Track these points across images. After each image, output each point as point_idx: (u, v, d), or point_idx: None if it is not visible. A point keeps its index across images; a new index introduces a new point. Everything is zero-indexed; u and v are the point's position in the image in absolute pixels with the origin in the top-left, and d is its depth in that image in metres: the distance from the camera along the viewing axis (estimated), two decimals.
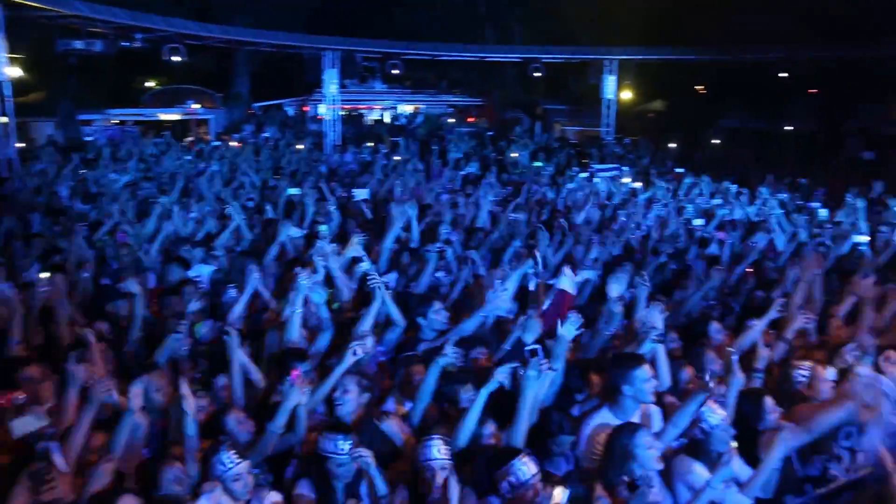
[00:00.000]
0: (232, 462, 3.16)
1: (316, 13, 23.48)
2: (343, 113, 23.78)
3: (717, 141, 20.62)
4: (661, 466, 3.52)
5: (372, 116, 29.49)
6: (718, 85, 24.18)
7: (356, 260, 5.52)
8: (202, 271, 6.58)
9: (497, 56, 22.04)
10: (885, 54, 18.26)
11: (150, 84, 28.40)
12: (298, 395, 3.51)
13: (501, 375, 3.58)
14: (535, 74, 20.34)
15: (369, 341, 4.16)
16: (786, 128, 23.13)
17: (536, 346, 3.74)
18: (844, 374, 4.25)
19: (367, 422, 3.76)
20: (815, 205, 10.38)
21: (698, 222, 8.84)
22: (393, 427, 3.73)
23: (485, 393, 3.54)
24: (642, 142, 20.53)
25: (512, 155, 18.16)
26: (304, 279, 4.50)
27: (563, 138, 22.32)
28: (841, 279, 6.14)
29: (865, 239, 7.47)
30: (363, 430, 3.63)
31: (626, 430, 3.49)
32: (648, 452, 3.42)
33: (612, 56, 20.39)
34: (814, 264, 5.75)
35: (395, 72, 20.69)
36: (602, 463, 3.56)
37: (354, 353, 3.88)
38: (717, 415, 3.58)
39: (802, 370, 4.24)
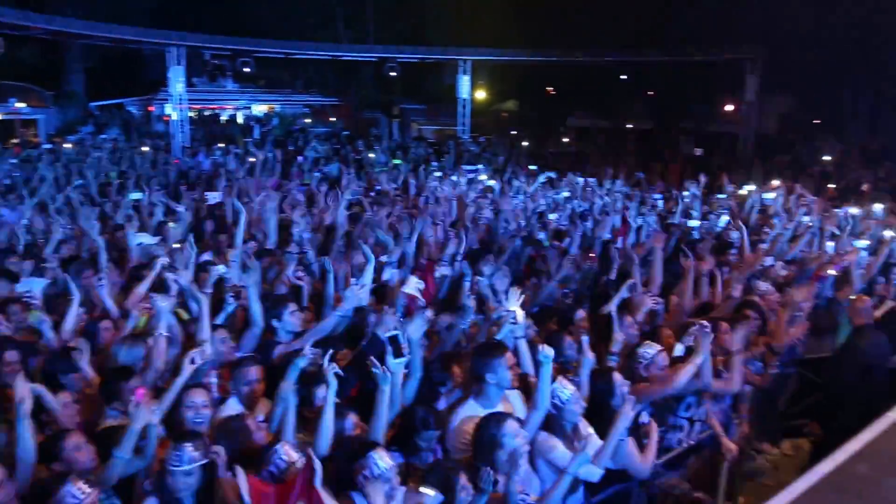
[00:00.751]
0: (83, 494, 2.87)
1: (160, 6, 22.18)
2: (192, 113, 22.63)
3: (567, 139, 21.76)
4: (527, 450, 3.64)
5: (224, 117, 28.25)
6: (567, 86, 25.60)
7: (204, 266, 5.29)
8: (33, 285, 6.00)
9: (352, 55, 21.92)
10: (712, 59, 20.14)
11: None
12: (146, 416, 3.25)
13: (303, 361, 3.63)
14: (391, 74, 20.42)
15: (208, 348, 3.95)
16: (627, 126, 24.81)
17: (396, 333, 3.74)
18: (690, 351, 4.60)
19: (225, 426, 3.59)
20: (655, 196, 11.18)
21: (552, 216, 9.23)
22: (251, 429, 3.57)
23: (292, 376, 3.56)
24: (497, 140, 21.24)
25: (370, 155, 18.20)
26: (161, 302, 4.30)
27: (420, 137, 22.61)
28: (679, 262, 6.63)
29: (697, 223, 8.12)
30: (221, 436, 3.47)
31: (494, 420, 3.55)
32: (515, 441, 3.52)
33: (466, 56, 20.90)
34: (657, 246, 6.20)
35: (247, 70, 19.96)
36: (470, 453, 3.64)
37: (192, 362, 3.69)
38: (567, 390, 3.75)
39: (648, 349, 4.52)
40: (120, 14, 18.94)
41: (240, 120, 27.73)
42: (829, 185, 14.60)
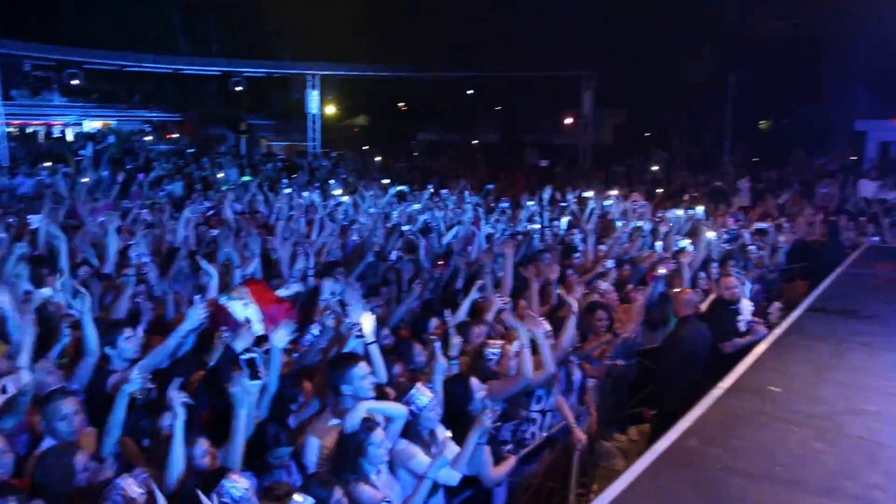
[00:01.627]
0: None
1: None
2: (12, 130, 20.58)
3: (417, 153, 22.18)
4: (387, 460, 3.66)
5: (49, 133, 25.92)
6: (417, 101, 26.10)
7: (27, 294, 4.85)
8: None
9: (194, 69, 21.01)
10: (551, 76, 21.38)
11: None
12: None
13: (130, 387, 3.46)
14: (237, 89, 19.80)
15: (25, 375, 3.59)
16: (475, 140, 25.71)
17: (253, 356, 3.64)
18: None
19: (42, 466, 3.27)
20: (503, 205, 11.66)
21: (406, 228, 9.35)
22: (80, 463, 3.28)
23: (120, 405, 3.40)
24: (348, 155, 21.22)
25: (219, 175, 17.54)
26: None
27: (269, 154, 22.07)
28: (526, 267, 6.96)
29: (537, 227, 8.54)
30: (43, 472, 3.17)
31: (363, 429, 3.54)
32: (379, 451, 3.53)
33: (314, 71, 20.72)
34: (507, 252, 6.48)
35: (75, 82, 18.49)
36: (333, 462, 3.59)
37: (4, 391, 3.35)
38: (425, 396, 3.81)
39: (493, 348, 4.70)
40: None
41: (70, 137, 25.55)
42: (658, 191, 15.93)
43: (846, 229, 12.68)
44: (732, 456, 4.17)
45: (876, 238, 12.48)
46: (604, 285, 6.50)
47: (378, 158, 20.90)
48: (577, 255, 7.92)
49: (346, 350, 4.18)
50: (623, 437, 6.84)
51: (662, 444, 4.25)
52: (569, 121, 23.95)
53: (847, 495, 3.75)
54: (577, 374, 5.40)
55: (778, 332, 6.84)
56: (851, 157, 19.54)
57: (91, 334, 4.20)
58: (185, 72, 21.05)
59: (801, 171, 18.31)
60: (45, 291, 4.88)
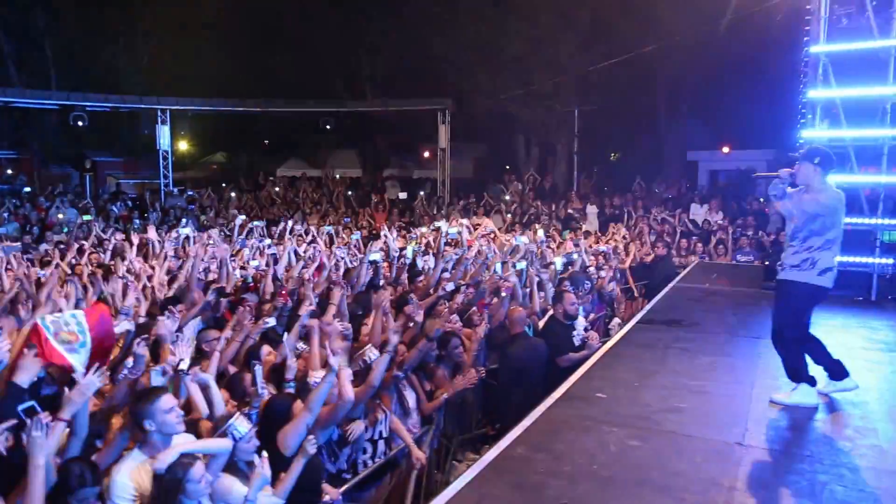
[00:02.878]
0: None
1: None
2: None
3: (278, 189, 21.85)
4: (208, 494, 3.54)
5: None
6: (277, 137, 25.80)
7: None
8: None
9: (27, 102, 19.53)
10: (406, 109, 21.89)
11: None
12: None
13: None
14: (79, 124, 18.67)
15: None
16: (336, 174, 25.73)
17: (31, 405, 3.43)
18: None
19: None
20: (355, 236, 11.76)
21: (254, 263, 9.19)
22: None
23: None
24: (205, 193, 20.51)
25: (59, 216, 16.41)
26: None
27: (118, 192, 20.91)
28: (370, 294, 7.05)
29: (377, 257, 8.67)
30: None
31: (180, 467, 3.41)
32: (199, 486, 3.41)
33: (163, 106, 19.95)
34: (338, 283, 6.54)
35: None
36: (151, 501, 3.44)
37: None
38: (244, 427, 3.75)
39: (317, 374, 4.71)
40: None
41: None
42: (507, 217, 16.74)
43: (677, 249, 13.91)
44: (555, 460, 4.38)
45: (703, 256, 13.73)
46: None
47: (234, 194, 20.33)
48: (420, 278, 8.11)
49: (154, 384, 4.03)
50: (475, 457, 6.98)
51: (491, 455, 4.41)
52: (427, 154, 24.53)
53: (653, 485, 4.05)
54: (410, 396, 5.48)
55: (610, 343, 7.32)
56: (686, 185, 21.32)
57: None
58: (16, 104, 19.53)
59: (642, 197, 19.75)
60: None
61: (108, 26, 20.30)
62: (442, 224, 11.96)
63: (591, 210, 18.23)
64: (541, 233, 11.61)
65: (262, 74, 22.43)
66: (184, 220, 14.48)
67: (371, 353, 4.78)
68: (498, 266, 8.46)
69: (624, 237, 13.87)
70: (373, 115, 22.90)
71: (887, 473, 4.31)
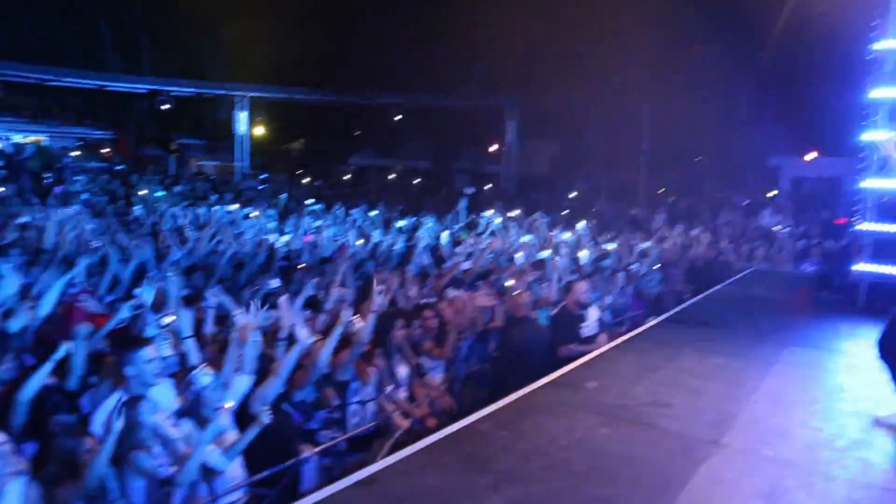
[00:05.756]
0: None
1: None
2: None
3: (348, 176, 22.49)
4: (168, 425, 3.85)
5: None
6: (351, 126, 26.53)
7: None
8: None
9: (119, 86, 20.96)
10: (475, 104, 22.01)
11: None
12: None
13: None
14: (164, 107, 19.86)
15: None
16: (406, 165, 26.21)
17: None
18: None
19: None
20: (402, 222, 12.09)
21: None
22: None
23: None
24: (278, 177, 21.41)
25: (140, 192, 17.57)
26: None
27: (198, 173, 22.10)
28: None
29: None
30: None
31: (127, 406, 3.73)
32: (152, 417, 3.71)
33: (243, 92, 20.90)
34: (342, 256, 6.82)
35: None
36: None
37: None
38: (207, 376, 4.02)
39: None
40: None
41: None
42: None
43: (738, 254, 13.43)
44: (516, 438, 4.44)
45: (764, 263, 13.21)
46: (452, 293, 6.83)
47: (306, 180, 21.11)
48: (446, 264, 8.29)
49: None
50: None
51: (452, 428, 4.52)
52: (493, 148, 24.60)
53: (604, 470, 4.05)
54: (401, 369, 5.65)
55: (625, 337, 7.25)
56: (763, 191, 20.51)
57: None
58: (110, 88, 20.98)
59: (713, 201, 19.14)
60: None
61: (199, 14, 21.45)
62: (490, 214, 12.09)
63: (660, 213, 17.84)
64: (581, 225, 11.52)
65: (338, 64, 23.07)
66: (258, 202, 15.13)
67: (356, 320, 5.00)
68: (520, 256, 8.52)
69: (683, 239, 13.52)
70: (445, 108, 23.16)
71: (863, 486, 4.13)
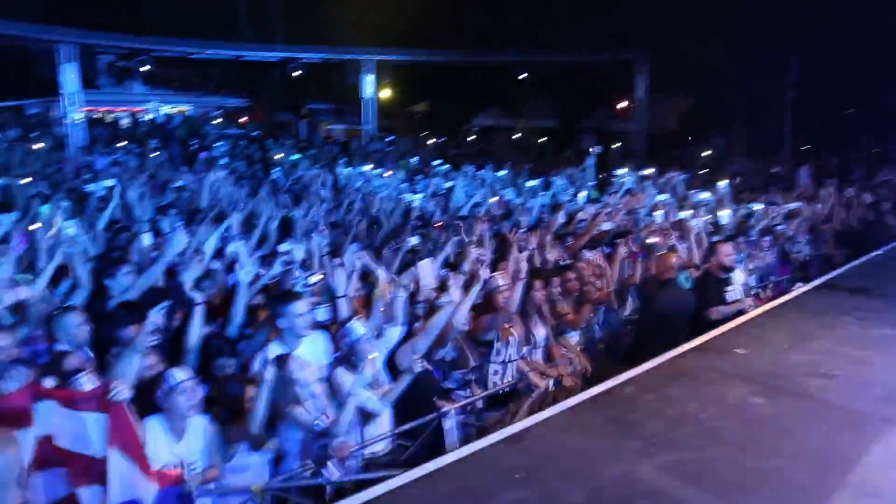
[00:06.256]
0: None
1: (54, 3, 21.53)
2: (99, 116, 22.28)
3: (473, 137, 22.46)
4: (317, 381, 4.02)
5: (129, 119, 27.64)
6: (475, 86, 26.35)
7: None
8: None
9: (253, 55, 21.92)
10: (607, 60, 21.19)
11: None
12: None
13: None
14: (295, 74, 20.60)
15: (22, 290, 4.21)
16: (531, 125, 25.78)
17: None
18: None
19: None
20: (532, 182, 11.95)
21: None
22: None
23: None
24: (403, 140, 21.73)
25: (276, 157, 18.40)
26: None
27: (328, 137, 22.86)
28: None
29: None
30: None
31: (280, 360, 3.93)
32: (302, 374, 3.89)
33: (368, 56, 21.27)
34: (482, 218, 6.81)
35: (145, 69, 19.76)
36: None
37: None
38: (361, 328, 4.15)
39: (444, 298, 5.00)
40: (13, 10, 18.30)
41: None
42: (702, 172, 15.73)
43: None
44: (663, 403, 4.29)
45: None
46: (588, 254, 6.65)
47: (431, 141, 21.29)
48: (581, 223, 8.08)
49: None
50: None
51: (596, 389, 4.42)
52: (622, 105, 23.63)
53: (761, 443, 3.82)
54: (539, 329, 5.58)
55: (776, 303, 6.81)
56: None
57: (83, 269, 4.78)
58: (245, 58, 22.01)
59: (867, 159, 17.49)
60: (70, 231, 5.52)
61: None
62: (622, 173, 11.68)
63: (804, 171, 16.52)
64: (722, 183, 10.86)
65: (461, 24, 22.89)
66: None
67: (496, 280, 4.98)
68: (658, 214, 8.15)
69: (834, 198, 12.44)
70: (571, 65, 22.51)
71: None
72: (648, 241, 6.75)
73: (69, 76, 18.24)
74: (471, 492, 3.19)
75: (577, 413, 4.10)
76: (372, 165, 12.80)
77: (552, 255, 6.29)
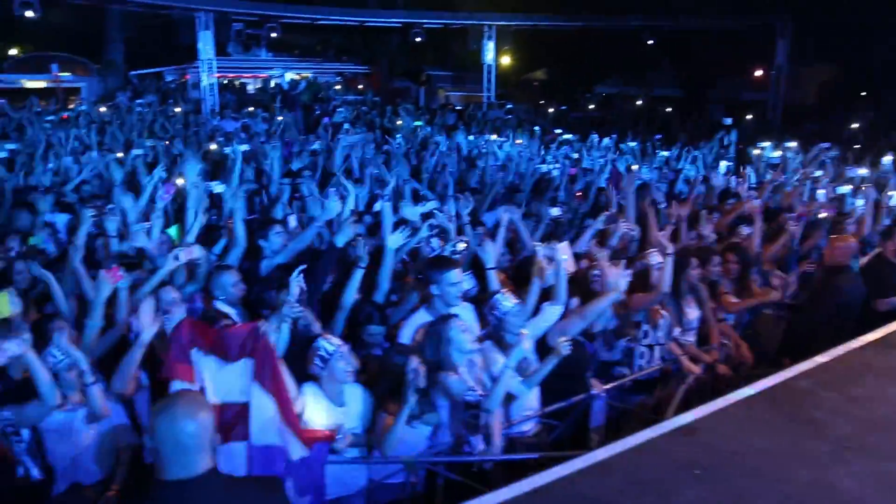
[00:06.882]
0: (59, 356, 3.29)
1: None
2: (227, 82, 23.21)
3: (593, 106, 21.68)
4: (475, 347, 3.89)
5: (256, 85, 28.68)
6: (596, 53, 25.38)
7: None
8: (56, 219, 6.47)
9: (376, 21, 22.00)
10: (740, 25, 19.74)
11: (13, 52, 26.51)
12: (108, 286, 3.60)
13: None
14: (416, 40, 20.54)
15: (196, 250, 4.31)
16: (655, 94, 24.57)
17: None
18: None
19: None
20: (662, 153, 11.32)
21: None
22: None
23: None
24: (522, 107, 21.28)
25: (398, 122, 18.48)
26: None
27: (445, 104, 22.74)
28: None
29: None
30: None
31: (441, 320, 3.83)
32: (462, 335, 3.76)
33: (490, 22, 20.89)
34: (629, 187, 6.40)
35: (274, 35, 20.30)
36: (421, 354, 3.88)
37: (176, 258, 4.02)
38: (508, 302, 3.96)
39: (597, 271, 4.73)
40: None
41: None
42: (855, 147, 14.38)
43: None
44: (849, 402, 3.86)
45: None
46: (746, 230, 6.15)
47: (551, 110, 20.72)
48: (731, 200, 7.53)
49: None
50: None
51: (767, 382, 4.05)
52: (758, 74, 21.99)
53: None
54: (692, 311, 5.21)
55: None
56: None
57: (240, 227, 4.87)
58: (368, 24, 22.15)
59: None
60: (218, 188, 5.66)
61: None
62: (766, 144, 10.87)
63: None
64: (887, 159, 9.84)
65: None
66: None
67: (653, 257, 4.66)
68: (819, 192, 7.47)
69: None
70: (699, 31, 21.20)
71: None
72: (820, 215, 6.18)
73: (205, 42, 19.00)
74: (649, 485, 2.96)
75: (750, 406, 3.76)
76: (496, 134, 12.54)
77: (706, 230, 5.85)
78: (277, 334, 3.45)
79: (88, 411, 3.42)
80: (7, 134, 12.21)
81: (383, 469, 3.71)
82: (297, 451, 3.27)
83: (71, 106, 21.28)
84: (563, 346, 3.91)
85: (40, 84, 24.37)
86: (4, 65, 25.58)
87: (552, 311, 4.10)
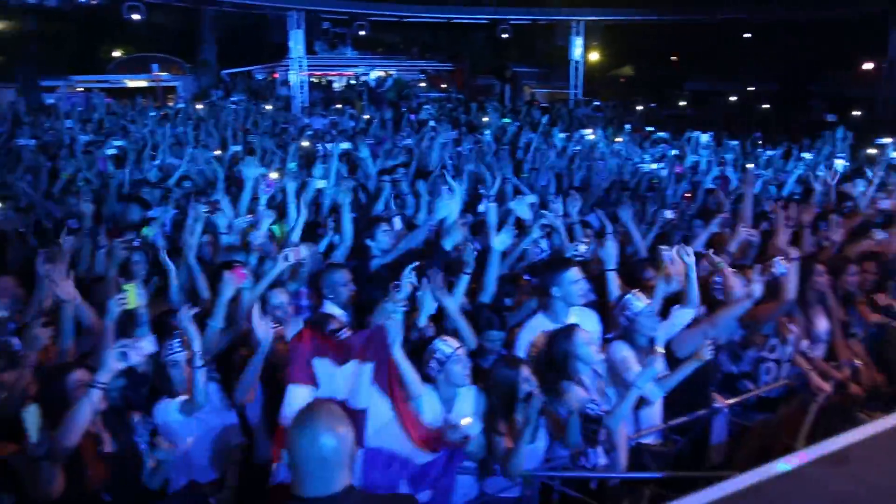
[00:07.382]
0: (178, 348, 3.34)
1: None
2: (314, 80, 23.70)
3: (684, 103, 20.90)
4: (601, 359, 3.71)
5: (342, 83, 29.18)
6: (686, 48, 24.53)
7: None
8: (162, 213, 6.65)
9: (464, 17, 21.91)
10: (846, 14, 18.57)
11: (117, 53, 27.92)
12: (231, 286, 3.59)
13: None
14: (503, 36, 20.33)
15: (303, 250, 4.28)
16: (750, 89, 23.46)
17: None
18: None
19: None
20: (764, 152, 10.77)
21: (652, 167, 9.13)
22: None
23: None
24: (609, 104, 20.72)
25: (484, 119, 18.34)
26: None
27: (531, 101, 22.42)
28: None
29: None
30: None
31: (563, 334, 3.64)
32: (588, 349, 3.58)
33: (578, 17, 20.44)
34: (749, 188, 6.03)
35: (362, 33, 20.55)
36: (542, 364, 3.71)
37: (286, 259, 4.00)
38: (640, 302, 3.75)
39: (718, 277, 4.44)
40: None
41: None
42: None
43: None
44: None
45: None
46: (880, 234, 5.68)
47: (640, 108, 20.08)
48: (849, 203, 7.00)
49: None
50: (878, 414, 5.98)
51: None
52: (868, 66, 20.61)
53: None
54: (821, 322, 4.83)
55: None
56: None
57: (348, 224, 4.84)
58: (455, 20, 22.10)
59: None
60: (320, 183, 5.68)
61: None
62: (888, 143, 10.10)
63: None
64: None
65: None
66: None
67: (778, 265, 4.34)
68: None
69: None
70: (798, 21, 20.07)
71: None
72: None
73: (296, 41, 19.41)
74: None
75: None
76: (590, 131, 12.20)
77: (837, 235, 5.43)
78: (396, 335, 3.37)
79: (185, 400, 3.41)
80: (113, 131, 12.77)
81: (497, 482, 3.57)
82: (419, 456, 3.18)
83: (169, 104, 22.26)
84: (706, 350, 3.70)
85: (142, 83, 25.63)
86: (109, 66, 26.99)
87: (683, 315, 3.87)
